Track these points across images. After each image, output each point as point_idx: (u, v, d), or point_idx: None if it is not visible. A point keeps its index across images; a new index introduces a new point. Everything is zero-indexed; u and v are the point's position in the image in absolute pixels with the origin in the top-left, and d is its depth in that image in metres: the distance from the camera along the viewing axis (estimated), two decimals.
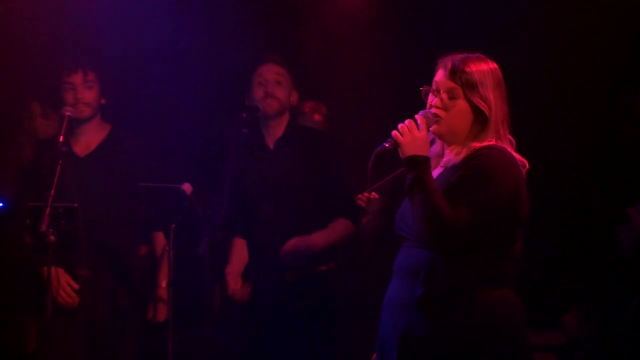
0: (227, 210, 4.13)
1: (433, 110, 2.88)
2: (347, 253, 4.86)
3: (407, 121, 2.83)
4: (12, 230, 4.43)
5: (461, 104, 2.85)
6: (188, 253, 4.39)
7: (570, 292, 5.17)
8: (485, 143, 2.82)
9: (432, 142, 2.95)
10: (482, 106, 2.83)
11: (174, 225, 4.16)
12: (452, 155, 2.89)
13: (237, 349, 4.38)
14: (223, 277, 4.40)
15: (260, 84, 4.33)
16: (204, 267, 4.13)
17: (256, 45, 5.43)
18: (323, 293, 4.29)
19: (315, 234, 4.25)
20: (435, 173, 2.91)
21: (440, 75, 2.90)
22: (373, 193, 4.34)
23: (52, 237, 3.88)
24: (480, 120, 2.85)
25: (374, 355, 2.98)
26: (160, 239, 4.41)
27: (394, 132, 2.82)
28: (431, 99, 2.92)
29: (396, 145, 2.82)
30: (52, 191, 3.89)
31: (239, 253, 4.43)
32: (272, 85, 4.32)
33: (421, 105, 2.96)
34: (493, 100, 2.84)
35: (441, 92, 2.88)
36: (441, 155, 2.97)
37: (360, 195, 4.23)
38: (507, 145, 2.87)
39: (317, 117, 5.35)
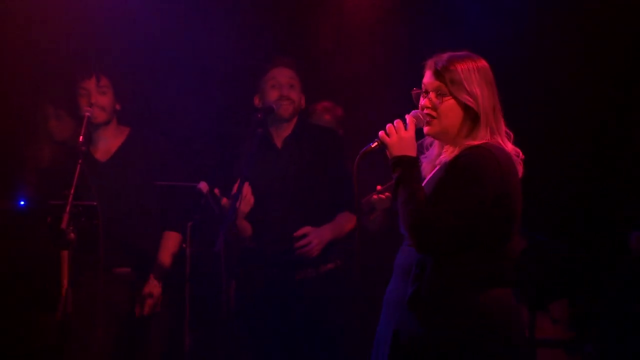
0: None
1: (425, 111, 2.90)
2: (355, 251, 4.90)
3: (395, 121, 2.87)
4: (32, 228, 4.50)
5: (449, 101, 2.87)
6: (204, 250, 4.46)
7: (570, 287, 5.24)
8: (477, 141, 2.84)
9: (430, 145, 3.00)
10: (469, 101, 2.85)
11: (190, 223, 4.25)
12: (448, 153, 2.92)
13: (251, 344, 4.44)
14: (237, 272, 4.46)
15: (274, 87, 4.40)
16: (220, 263, 4.20)
17: (269, 46, 5.49)
18: (330, 292, 4.34)
19: (324, 226, 4.32)
20: (433, 171, 2.95)
21: (427, 77, 2.94)
22: (386, 193, 4.43)
23: (72, 235, 3.96)
24: (470, 116, 2.87)
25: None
26: (171, 238, 4.46)
27: (381, 133, 2.86)
28: (421, 101, 2.95)
29: (383, 145, 2.86)
30: (72, 190, 3.97)
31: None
32: (287, 89, 4.40)
33: None
34: (480, 95, 2.85)
35: (429, 92, 2.92)
36: (439, 154, 2.99)
37: (374, 195, 4.31)
38: (503, 138, 2.88)
39: (327, 117, 5.39)
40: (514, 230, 2.84)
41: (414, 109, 2.95)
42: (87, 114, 4.24)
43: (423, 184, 2.89)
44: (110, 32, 5.19)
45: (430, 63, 2.94)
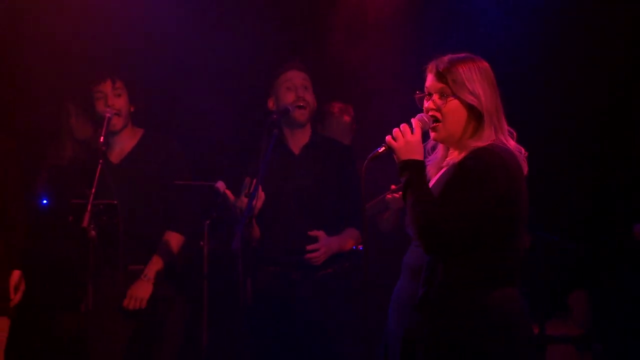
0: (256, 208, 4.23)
1: (430, 114, 2.93)
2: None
3: (401, 125, 2.88)
4: (55, 226, 4.59)
5: (453, 102, 2.90)
6: (222, 248, 4.53)
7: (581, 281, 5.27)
8: (483, 142, 2.86)
9: (434, 148, 3.03)
10: (472, 101, 2.87)
11: (208, 222, 4.33)
12: (454, 155, 2.95)
13: (262, 340, 4.52)
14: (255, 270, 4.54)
15: (290, 89, 4.47)
16: (237, 261, 4.27)
17: (283, 48, 5.54)
18: (327, 293, 4.42)
19: (334, 237, 4.42)
20: (439, 173, 2.97)
21: (429, 79, 2.97)
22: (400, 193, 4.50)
23: (93, 233, 4.06)
24: (474, 116, 2.90)
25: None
26: (173, 238, 4.51)
27: (388, 137, 2.88)
28: (425, 104, 2.98)
29: (390, 150, 2.88)
30: (93, 189, 4.06)
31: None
32: (302, 90, 4.47)
33: None
34: (482, 94, 2.88)
35: (433, 94, 2.95)
36: (445, 156, 3.02)
37: (388, 195, 4.39)
38: (506, 137, 2.91)
39: (346, 118, 5.44)
40: (520, 230, 2.86)
41: (420, 112, 2.97)
42: (108, 114, 4.33)
43: (430, 186, 2.91)
44: (131, 35, 5.27)
45: (431, 66, 2.97)
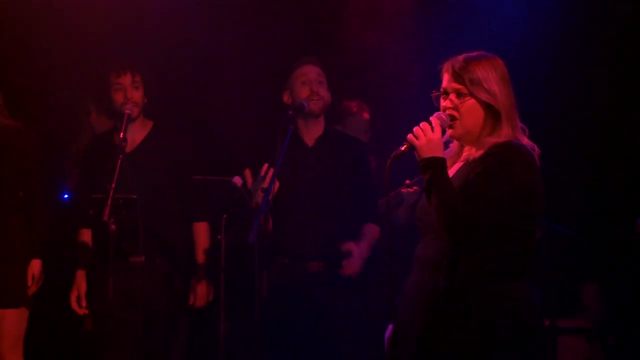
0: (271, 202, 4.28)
1: (447, 112, 2.97)
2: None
3: (421, 124, 2.92)
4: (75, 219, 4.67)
5: (469, 101, 2.94)
6: (238, 241, 4.60)
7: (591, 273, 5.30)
8: (502, 138, 2.90)
9: (447, 143, 3.04)
10: (489, 99, 2.91)
11: (225, 216, 4.42)
12: (472, 151, 2.98)
13: (280, 331, 4.57)
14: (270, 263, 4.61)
15: (305, 84, 4.53)
16: (254, 254, 4.34)
17: (299, 41, 5.60)
18: (338, 286, 4.48)
19: (362, 244, 4.48)
20: (455, 168, 3.01)
21: (446, 79, 3.01)
22: (414, 187, 4.57)
23: (113, 227, 4.13)
24: (491, 114, 2.94)
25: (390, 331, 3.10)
26: (202, 229, 4.63)
27: (410, 136, 2.92)
28: (442, 103, 3.01)
29: (412, 148, 2.92)
30: (114, 184, 4.13)
31: None
32: (316, 85, 4.53)
33: None
34: (498, 92, 2.92)
35: (449, 94, 2.99)
36: (460, 152, 3.06)
37: (403, 189, 4.45)
38: (519, 134, 2.94)
39: (366, 115, 5.48)
40: (535, 224, 2.93)
41: (437, 111, 3.01)
42: (128, 111, 4.39)
43: None
44: (151, 28, 5.37)
45: (447, 65, 3.01)
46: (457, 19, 5.58)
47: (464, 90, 2.95)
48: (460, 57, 2.98)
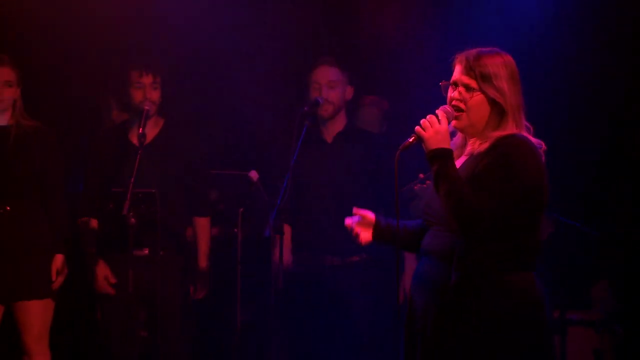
0: (287, 197, 4.36)
1: (453, 103, 2.99)
2: None
3: (428, 116, 2.94)
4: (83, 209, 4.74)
5: (478, 96, 2.95)
6: (255, 235, 4.69)
7: (601, 268, 5.34)
8: (507, 132, 2.91)
9: (452, 135, 3.05)
10: (497, 97, 2.93)
11: (242, 209, 4.50)
12: (476, 145, 2.98)
13: (296, 323, 4.66)
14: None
15: (316, 90, 4.61)
16: (270, 247, 4.43)
17: (316, 41, 5.66)
18: (354, 280, 4.56)
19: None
20: (459, 162, 3.03)
21: (457, 72, 3.02)
22: (427, 181, 4.62)
23: (133, 220, 4.22)
24: (497, 110, 2.95)
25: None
26: (202, 223, 4.70)
27: (417, 128, 2.94)
28: (450, 93, 3.02)
29: (419, 139, 2.94)
30: (133, 178, 4.20)
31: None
32: (326, 90, 4.59)
33: None
34: (507, 91, 2.93)
35: (459, 86, 3.01)
36: (463, 145, 3.06)
37: (417, 184, 4.50)
38: (525, 132, 2.97)
39: (375, 110, 5.53)
40: (542, 215, 2.96)
41: (443, 104, 3.03)
42: (147, 107, 4.47)
43: None
44: (168, 26, 5.43)
45: (460, 58, 3.02)
46: (472, 14, 5.56)
47: (474, 85, 2.97)
48: (474, 51, 3.00)
